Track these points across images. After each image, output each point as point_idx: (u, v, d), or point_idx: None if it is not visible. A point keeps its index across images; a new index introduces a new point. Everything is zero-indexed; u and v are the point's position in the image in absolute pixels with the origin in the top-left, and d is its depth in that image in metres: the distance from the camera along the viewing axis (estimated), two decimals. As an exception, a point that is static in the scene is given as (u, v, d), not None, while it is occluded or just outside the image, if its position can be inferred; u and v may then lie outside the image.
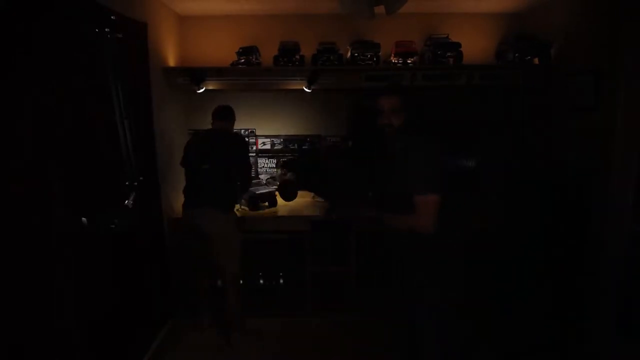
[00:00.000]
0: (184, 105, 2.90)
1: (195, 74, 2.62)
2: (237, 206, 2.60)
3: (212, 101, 2.57)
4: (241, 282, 2.44)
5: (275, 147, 3.04)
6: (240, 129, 2.99)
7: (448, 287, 1.48)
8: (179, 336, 2.42)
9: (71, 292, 1.53)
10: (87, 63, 1.67)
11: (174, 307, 2.54)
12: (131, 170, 1.90)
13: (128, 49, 1.98)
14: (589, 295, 2.10)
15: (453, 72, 2.63)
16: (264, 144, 3.04)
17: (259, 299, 2.64)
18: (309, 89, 2.73)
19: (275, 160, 3.04)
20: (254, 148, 3.03)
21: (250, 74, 2.70)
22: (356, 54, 2.65)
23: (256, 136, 3.03)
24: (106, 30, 1.72)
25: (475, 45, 2.82)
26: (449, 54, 2.63)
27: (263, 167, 3.05)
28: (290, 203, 2.74)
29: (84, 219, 1.57)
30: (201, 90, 2.70)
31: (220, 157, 2.25)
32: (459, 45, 2.63)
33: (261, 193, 2.67)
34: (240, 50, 2.65)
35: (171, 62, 2.69)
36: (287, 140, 3.03)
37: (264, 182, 2.90)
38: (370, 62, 2.65)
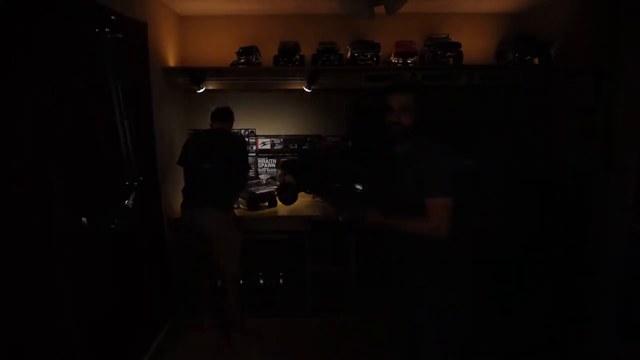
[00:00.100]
0: (184, 105, 2.90)
1: (195, 74, 2.62)
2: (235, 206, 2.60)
3: (212, 101, 2.58)
4: (241, 282, 2.44)
5: (275, 147, 3.04)
6: (240, 129, 3.00)
7: (453, 289, 1.45)
8: (179, 336, 2.42)
9: (71, 292, 1.53)
10: (87, 63, 1.67)
11: (174, 307, 2.54)
12: (131, 170, 1.90)
13: (128, 49, 1.98)
14: (589, 295, 2.10)
15: (453, 72, 2.63)
16: (264, 144, 3.04)
17: (259, 299, 2.64)
18: (309, 89, 2.73)
19: (275, 160, 3.04)
20: (254, 148, 3.03)
21: (250, 74, 2.70)
22: (356, 54, 2.65)
23: (256, 136, 3.03)
24: (106, 30, 1.72)
25: (475, 45, 2.82)
26: (449, 54, 2.63)
27: (263, 167, 3.05)
28: (291, 203, 2.74)
29: (84, 219, 1.57)
30: (201, 90, 2.70)
31: (221, 156, 2.25)
32: (459, 45, 2.63)
33: (261, 193, 2.67)
34: (240, 50, 2.65)
35: (171, 62, 2.69)
36: (287, 140, 3.03)
37: (264, 182, 2.90)
38: (370, 62, 2.65)
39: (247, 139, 2.99)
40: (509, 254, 2.35)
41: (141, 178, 1.96)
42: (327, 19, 2.83)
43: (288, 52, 2.65)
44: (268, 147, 3.04)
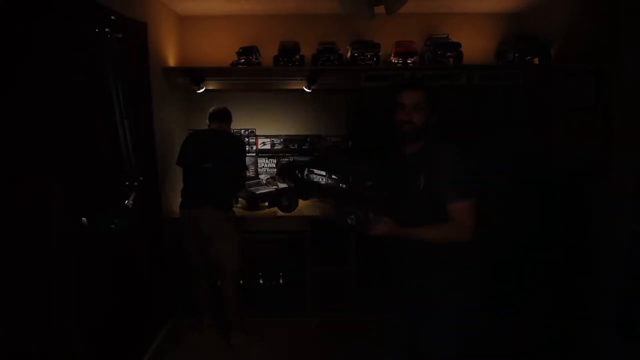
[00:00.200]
0: (184, 105, 2.90)
1: (195, 74, 2.62)
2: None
3: (212, 101, 2.58)
4: (241, 282, 2.44)
5: (275, 147, 3.04)
6: (240, 129, 3.00)
7: (468, 291, 1.41)
8: (179, 336, 2.42)
9: (71, 292, 1.53)
10: (87, 63, 1.66)
11: (174, 307, 2.54)
12: (131, 170, 1.90)
13: (128, 49, 1.98)
14: (589, 295, 2.10)
15: (453, 72, 2.63)
16: (264, 144, 3.04)
17: (259, 299, 2.64)
18: (309, 89, 2.73)
19: (275, 160, 3.04)
20: (254, 148, 3.03)
21: (250, 74, 2.70)
22: (356, 54, 2.65)
23: (256, 136, 3.03)
24: (106, 30, 1.72)
25: (475, 45, 2.82)
26: (449, 54, 2.63)
27: (263, 167, 3.05)
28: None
29: (84, 219, 1.57)
30: (201, 90, 2.70)
31: (221, 156, 2.26)
32: (459, 45, 2.63)
33: (261, 193, 2.67)
34: (240, 50, 2.65)
35: (171, 62, 2.69)
36: (287, 140, 3.03)
37: (264, 182, 2.90)
38: (370, 62, 2.65)
39: (247, 139, 2.99)
40: (509, 254, 2.35)
41: (141, 178, 1.96)
42: (327, 19, 2.83)
43: (288, 52, 2.65)
44: (268, 147, 3.03)
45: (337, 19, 2.77)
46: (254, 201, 2.66)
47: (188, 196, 2.28)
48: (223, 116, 2.40)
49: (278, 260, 2.64)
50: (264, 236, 2.60)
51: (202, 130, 2.47)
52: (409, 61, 2.64)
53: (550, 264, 2.27)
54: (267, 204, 2.70)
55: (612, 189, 1.98)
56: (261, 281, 2.67)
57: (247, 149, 2.93)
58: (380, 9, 1.73)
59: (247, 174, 2.91)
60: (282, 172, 2.19)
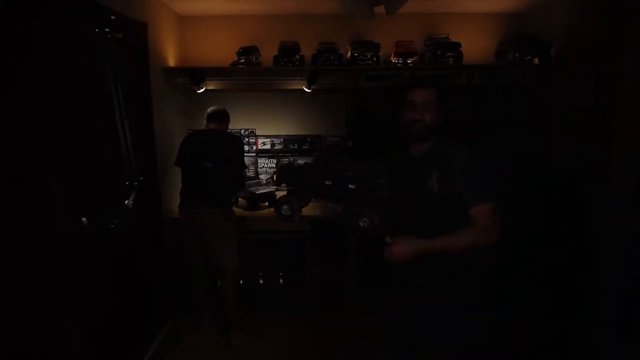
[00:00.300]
0: (184, 105, 2.90)
1: (195, 74, 2.62)
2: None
3: (212, 101, 2.58)
4: (241, 282, 2.44)
5: (275, 147, 3.04)
6: (240, 129, 3.00)
7: (466, 291, 1.38)
8: (179, 336, 2.42)
9: (71, 292, 1.53)
10: (87, 63, 1.67)
11: (174, 307, 2.54)
12: (131, 170, 1.90)
13: (128, 49, 1.98)
14: (589, 295, 2.10)
15: (453, 72, 2.63)
16: (264, 144, 3.04)
17: (259, 299, 2.64)
18: (309, 89, 2.73)
19: (275, 160, 3.04)
20: (254, 148, 3.03)
21: (250, 74, 2.70)
22: (356, 54, 2.65)
23: (256, 136, 3.03)
24: (106, 30, 1.72)
25: (475, 45, 2.82)
26: (449, 54, 2.63)
27: (263, 167, 3.05)
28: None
29: (84, 219, 1.57)
30: (201, 90, 2.70)
31: (220, 156, 2.26)
32: (459, 45, 2.63)
33: (261, 193, 2.67)
34: (240, 50, 2.65)
35: (171, 62, 2.69)
36: (287, 140, 3.03)
37: (264, 182, 2.90)
38: (370, 62, 2.65)
39: (247, 139, 3.00)
40: (509, 254, 2.35)
41: (141, 178, 1.96)
42: (327, 19, 2.83)
43: (288, 52, 2.65)
44: (268, 147, 3.04)
45: (337, 19, 2.77)
46: (254, 201, 2.66)
47: (188, 196, 2.28)
48: (221, 117, 2.41)
49: (278, 260, 2.64)
50: (264, 236, 2.60)
51: (201, 130, 2.47)
52: (409, 61, 2.64)
53: (550, 264, 2.27)
54: (267, 204, 2.70)
55: (612, 189, 1.98)
56: (261, 281, 2.67)
57: (247, 148, 2.96)
58: (380, 9, 1.73)
59: (247, 173, 2.91)
60: (281, 175, 1.74)
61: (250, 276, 2.64)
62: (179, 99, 2.80)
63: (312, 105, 2.98)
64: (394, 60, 2.66)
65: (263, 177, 3.00)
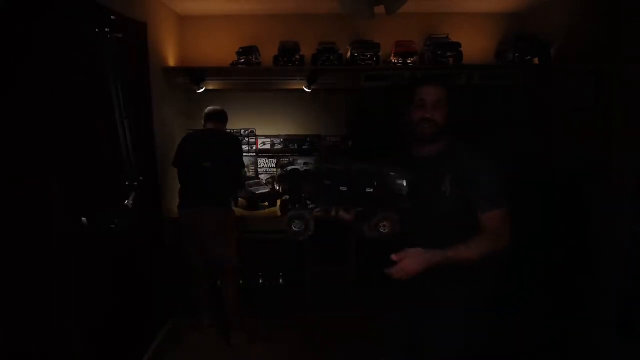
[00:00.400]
0: (184, 105, 2.90)
1: (195, 74, 2.63)
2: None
3: (212, 101, 2.58)
4: (241, 282, 2.44)
5: (275, 147, 3.04)
6: (240, 129, 3.00)
7: (467, 291, 1.35)
8: (179, 336, 2.42)
9: (71, 292, 1.53)
10: (87, 63, 1.67)
11: (174, 307, 2.54)
12: (131, 170, 1.90)
13: (128, 49, 1.98)
14: (589, 295, 2.10)
15: (453, 72, 2.63)
16: (264, 144, 3.04)
17: (259, 299, 2.64)
18: (309, 89, 2.73)
19: (275, 160, 3.04)
20: (254, 148, 3.03)
21: (250, 74, 2.70)
22: (356, 54, 2.65)
23: (256, 136, 3.03)
24: (106, 30, 1.72)
25: (475, 45, 2.82)
26: (449, 54, 2.63)
27: (263, 167, 3.05)
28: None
29: (84, 219, 1.57)
30: (201, 90, 2.70)
31: (220, 156, 2.26)
32: (459, 45, 2.63)
33: (261, 193, 2.67)
34: (240, 50, 2.65)
35: (171, 62, 2.69)
36: (287, 140, 3.03)
37: (264, 182, 2.90)
38: (370, 62, 2.65)
39: (247, 139, 3.00)
40: (509, 254, 2.34)
41: (141, 178, 1.96)
42: (327, 19, 2.83)
43: (288, 52, 2.65)
44: (268, 147, 3.04)
45: (337, 19, 2.77)
46: (254, 201, 2.66)
47: (187, 196, 2.28)
48: (220, 117, 2.41)
49: (278, 260, 2.64)
50: (264, 236, 2.60)
51: (199, 131, 2.47)
52: (409, 61, 2.64)
53: (550, 264, 2.27)
54: (267, 204, 2.70)
55: (612, 189, 1.98)
56: (261, 281, 2.67)
57: (247, 149, 2.96)
58: (380, 9, 1.73)
59: (247, 173, 2.91)
60: (286, 181, 1.43)
61: (250, 276, 2.64)
62: (179, 99, 2.80)
63: (312, 105, 2.98)
64: (394, 60, 2.66)
65: (263, 177, 3.00)
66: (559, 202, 2.27)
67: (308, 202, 1.14)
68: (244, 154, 2.67)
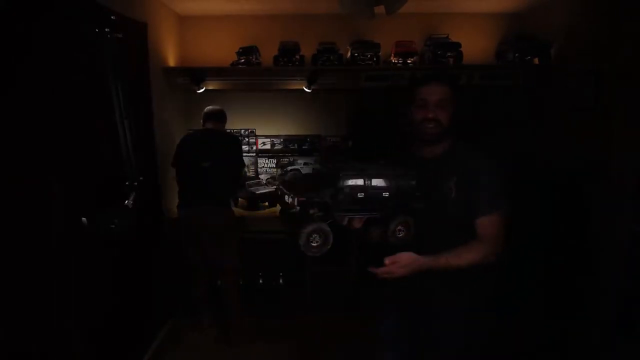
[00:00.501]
0: (184, 105, 2.90)
1: (195, 74, 2.63)
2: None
3: (212, 101, 2.58)
4: (241, 282, 2.44)
5: (275, 147, 3.04)
6: (240, 129, 3.00)
7: (468, 291, 1.34)
8: (179, 336, 2.42)
9: (71, 292, 1.53)
10: (87, 63, 1.67)
11: (174, 307, 2.54)
12: (131, 170, 1.90)
13: (128, 49, 1.98)
14: (589, 295, 2.10)
15: (453, 72, 2.63)
16: (264, 144, 3.04)
17: (259, 299, 2.64)
18: (309, 89, 2.73)
19: (275, 160, 3.04)
20: (254, 148, 3.03)
21: (250, 74, 2.70)
22: (356, 54, 2.65)
23: (256, 136, 3.03)
24: (106, 30, 1.72)
25: (475, 45, 2.82)
26: (449, 54, 2.63)
27: (263, 167, 3.05)
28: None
29: (84, 219, 1.57)
30: (201, 90, 2.70)
31: (219, 155, 2.26)
32: (459, 45, 2.63)
33: (261, 193, 2.67)
34: (240, 50, 2.65)
35: (171, 62, 2.69)
36: (287, 140, 3.03)
37: (264, 182, 2.90)
38: (370, 62, 2.65)
39: (247, 139, 3.00)
40: (509, 254, 2.34)
41: (141, 178, 1.95)
42: (327, 19, 2.83)
43: (288, 52, 2.65)
44: (268, 147, 3.04)
45: (337, 19, 2.77)
46: (254, 201, 2.66)
47: (187, 196, 2.28)
48: (219, 116, 2.41)
49: (278, 260, 2.64)
50: (264, 236, 2.60)
51: (199, 130, 2.47)
52: (409, 61, 2.64)
53: (550, 264, 2.27)
54: (267, 204, 2.70)
55: (612, 189, 1.98)
56: (261, 281, 2.66)
57: (247, 149, 2.96)
58: (380, 9, 1.73)
59: (247, 173, 2.91)
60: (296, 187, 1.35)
61: (250, 276, 2.64)
62: (179, 99, 2.80)
63: (312, 105, 2.98)
64: (394, 60, 2.66)
65: (263, 177, 3.00)
66: (559, 202, 2.27)
67: (321, 213, 1.05)
68: (244, 154, 2.67)
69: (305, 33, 2.81)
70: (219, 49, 2.85)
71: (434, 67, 2.65)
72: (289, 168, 2.94)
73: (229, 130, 2.68)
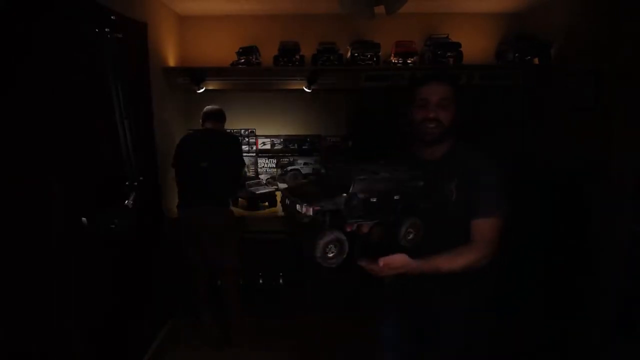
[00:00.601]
0: (184, 105, 2.90)
1: (195, 74, 2.63)
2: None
3: (212, 101, 2.58)
4: (241, 282, 2.44)
5: (275, 147, 3.04)
6: (240, 129, 3.00)
7: (468, 292, 1.34)
8: (179, 336, 2.42)
9: (71, 292, 1.53)
10: (87, 63, 1.67)
11: (174, 307, 2.54)
12: (131, 170, 1.90)
13: (128, 49, 1.98)
14: (589, 295, 2.10)
15: (453, 72, 2.63)
16: (264, 144, 3.04)
17: (259, 299, 2.64)
18: (309, 89, 2.73)
19: (275, 160, 3.04)
20: (254, 148, 3.03)
21: (250, 74, 2.70)
22: (356, 54, 2.65)
23: (256, 136, 3.03)
24: (106, 30, 1.72)
25: (475, 45, 2.82)
26: (449, 54, 2.63)
27: (263, 167, 3.05)
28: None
29: (84, 219, 1.57)
30: (201, 90, 2.70)
31: (219, 155, 2.26)
32: (459, 45, 2.63)
33: (261, 193, 2.67)
34: (240, 50, 2.65)
35: (171, 62, 2.69)
36: (287, 140, 3.03)
37: (264, 182, 2.90)
38: (370, 62, 2.65)
39: (247, 139, 3.00)
40: (508, 254, 2.34)
41: (141, 178, 1.96)
42: (327, 19, 2.83)
43: (288, 52, 2.65)
44: (268, 147, 3.04)
45: (337, 19, 2.77)
46: (254, 201, 2.66)
47: (187, 196, 2.28)
48: (218, 116, 2.41)
49: (278, 260, 2.63)
50: (264, 236, 2.60)
51: (198, 130, 2.47)
52: (409, 61, 2.64)
53: (550, 264, 2.27)
54: (267, 204, 2.70)
55: (612, 189, 1.98)
56: (261, 281, 2.66)
57: (247, 149, 2.96)
58: (380, 9, 1.73)
59: (247, 173, 2.91)
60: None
61: (250, 276, 2.64)
62: (179, 99, 2.80)
63: (312, 105, 2.98)
64: (394, 60, 2.66)
65: (263, 177, 3.00)
66: (559, 202, 2.27)
67: (334, 221, 0.99)
68: (244, 154, 2.67)
69: (305, 33, 2.81)
70: (219, 49, 2.85)
71: (434, 67, 2.65)
72: (289, 168, 2.94)
73: (228, 130, 2.68)
